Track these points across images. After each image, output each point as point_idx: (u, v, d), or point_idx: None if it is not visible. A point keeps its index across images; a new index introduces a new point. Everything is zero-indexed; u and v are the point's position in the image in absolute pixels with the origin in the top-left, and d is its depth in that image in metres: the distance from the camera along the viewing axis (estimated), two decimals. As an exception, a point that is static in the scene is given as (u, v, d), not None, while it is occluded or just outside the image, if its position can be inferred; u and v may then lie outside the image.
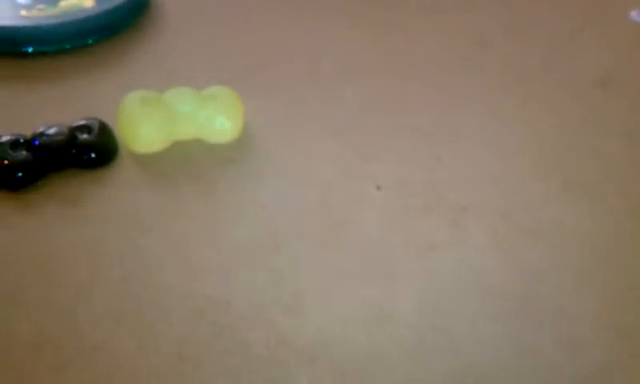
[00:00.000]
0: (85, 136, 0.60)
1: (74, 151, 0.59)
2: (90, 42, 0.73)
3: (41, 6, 0.74)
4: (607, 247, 0.55)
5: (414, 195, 0.59)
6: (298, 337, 0.49)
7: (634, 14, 0.73)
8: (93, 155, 0.60)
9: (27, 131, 0.60)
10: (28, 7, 0.74)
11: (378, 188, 0.60)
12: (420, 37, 0.75)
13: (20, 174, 0.58)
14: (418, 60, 0.72)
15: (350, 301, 0.51)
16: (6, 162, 0.58)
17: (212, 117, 0.62)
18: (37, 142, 0.59)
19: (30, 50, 0.71)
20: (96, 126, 0.61)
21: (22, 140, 0.59)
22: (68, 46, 0.72)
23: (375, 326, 0.50)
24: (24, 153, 0.58)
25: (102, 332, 0.48)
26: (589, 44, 0.74)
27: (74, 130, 0.60)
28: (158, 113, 0.62)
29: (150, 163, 0.61)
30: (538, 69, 0.71)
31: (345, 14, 0.78)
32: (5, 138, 0.59)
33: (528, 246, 0.55)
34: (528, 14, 0.79)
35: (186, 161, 0.61)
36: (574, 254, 0.55)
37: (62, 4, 0.75)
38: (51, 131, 0.59)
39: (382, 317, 0.50)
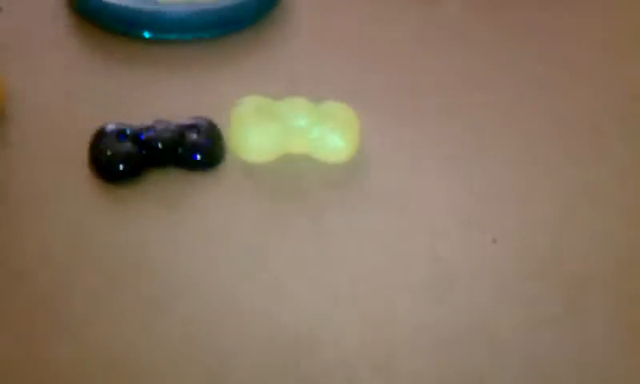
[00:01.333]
0: (193, 136, 0.57)
1: (179, 150, 0.57)
2: (214, 34, 0.70)
3: (170, -9, 0.72)
4: None
5: (531, 256, 0.54)
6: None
7: None
8: (198, 157, 0.57)
9: (133, 120, 0.58)
10: (157, -10, 0.72)
11: (494, 241, 0.55)
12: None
13: (121, 167, 0.55)
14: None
15: (447, 368, 0.47)
16: (109, 152, 0.56)
17: (326, 134, 0.59)
18: (143, 137, 0.56)
19: (150, 35, 0.69)
20: (206, 127, 0.58)
21: (128, 131, 0.56)
22: (190, 37, 0.69)
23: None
24: (129, 145, 0.56)
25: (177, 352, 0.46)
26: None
27: (182, 129, 0.58)
28: (271, 123, 0.58)
29: (254, 174, 0.58)
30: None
31: (502, 59, 0.72)
32: (110, 128, 0.57)
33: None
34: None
35: (291, 178, 0.58)
36: None
37: (192, -9, 0.72)
38: (160, 127, 0.57)
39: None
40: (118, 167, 0.55)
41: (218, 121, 0.60)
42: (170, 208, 0.55)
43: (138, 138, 0.56)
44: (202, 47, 0.69)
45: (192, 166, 0.57)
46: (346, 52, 0.71)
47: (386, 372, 0.46)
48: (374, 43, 0.72)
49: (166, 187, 0.56)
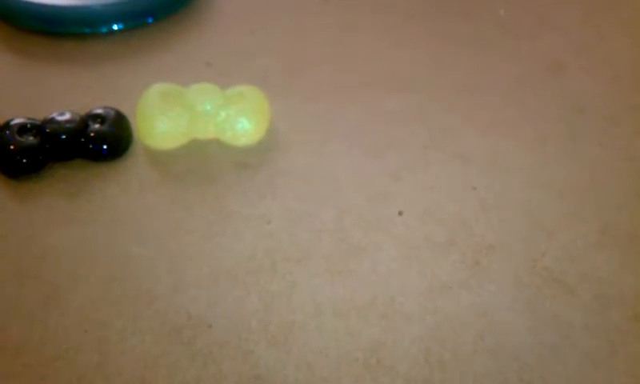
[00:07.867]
0: (97, 126, 0.57)
1: (83, 140, 0.56)
2: (129, 26, 0.69)
3: (84, -15, 0.71)
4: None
5: (438, 226, 0.53)
6: (276, 374, 0.44)
7: None
8: (103, 147, 0.57)
9: (43, 114, 0.58)
10: (71, -15, 0.71)
11: (400, 213, 0.54)
12: (482, 54, 0.69)
13: (24, 161, 0.55)
14: (472, 78, 0.66)
15: (345, 340, 0.46)
16: (11, 146, 0.55)
17: (233, 118, 0.58)
18: (45, 128, 0.56)
19: (64, 30, 0.68)
20: (111, 117, 0.58)
21: (29, 125, 0.56)
22: (104, 29, 0.69)
23: (368, 373, 0.45)
24: (31, 138, 0.55)
25: (67, 340, 0.45)
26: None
27: (86, 119, 0.57)
28: (176, 109, 0.58)
29: (162, 161, 0.58)
30: (602, 101, 0.64)
31: (404, 24, 0.73)
32: (14, 122, 0.56)
33: (555, 301, 0.49)
34: (603, 38, 0.71)
35: (200, 162, 0.58)
36: (610, 317, 0.48)
37: (106, -16, 0.72)
38: (62, 118, 0.56)
39: (378, 364, 0.45)
40: (21, 161, 0.55)
41: (129, 110, 0.59)
42: (75, 200, 0.54)
43: (41, 130, 0.56)
44: (118, 39, 0.69)
45: (96, 156, 0.57)
46: (262, 37, 0.70)
47: (282, 346, 0.46)
48: (291, 28, 0.72)
49: (71, 179, 0.56)
